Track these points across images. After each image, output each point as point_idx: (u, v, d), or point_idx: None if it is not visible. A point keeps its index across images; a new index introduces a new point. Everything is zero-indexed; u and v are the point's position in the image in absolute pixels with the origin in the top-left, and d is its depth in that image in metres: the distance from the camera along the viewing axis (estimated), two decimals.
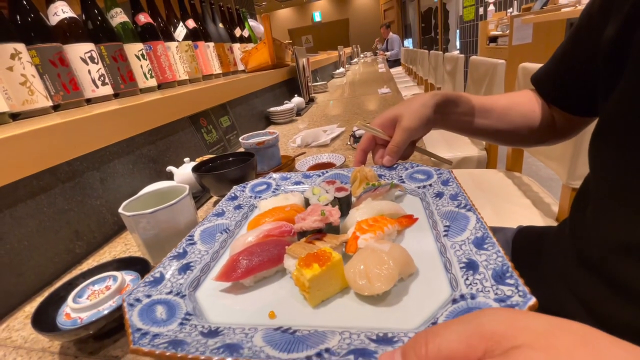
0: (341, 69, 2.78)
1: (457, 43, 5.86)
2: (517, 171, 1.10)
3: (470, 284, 0.24)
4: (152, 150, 0.62)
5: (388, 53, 6.28)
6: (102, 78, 0.89)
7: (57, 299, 0.32)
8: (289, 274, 0.30)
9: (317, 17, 10.57)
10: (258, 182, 0.50)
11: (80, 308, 0.30)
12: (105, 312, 0.29)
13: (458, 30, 5.66)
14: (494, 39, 4.17)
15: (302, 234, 0.34)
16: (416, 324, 0.23)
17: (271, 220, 0.37)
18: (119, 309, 0.28)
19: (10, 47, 0.66)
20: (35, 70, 0.71)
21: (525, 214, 0.87)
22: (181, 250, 0.34)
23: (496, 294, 0.22)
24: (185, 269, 0.32)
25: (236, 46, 1.69)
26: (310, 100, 1.52)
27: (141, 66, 1.02)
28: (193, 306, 0.28)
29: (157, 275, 0.30)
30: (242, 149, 0.65)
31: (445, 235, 0.31)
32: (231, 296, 0.29)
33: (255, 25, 1.68)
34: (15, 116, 0.67)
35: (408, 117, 0.46)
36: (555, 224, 0.81)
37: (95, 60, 0.87)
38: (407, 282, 0.28)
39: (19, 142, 0.37)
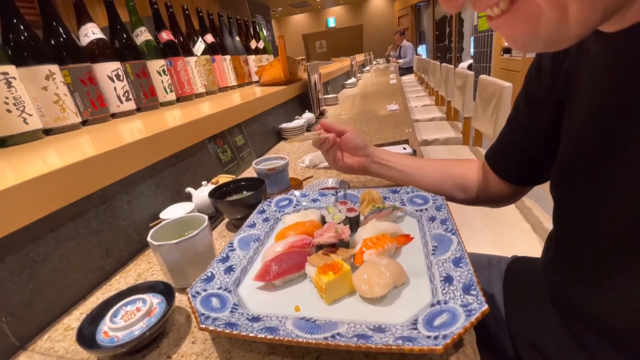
0: (352, 79, 2.86)
1: (471, 52, 5.88)
2: None
3: (446, 293, 0.33)
4: (173, 172, 0.67)
5: (401, 60, 6.34)
6: (126, 94, 0.96)
7: (96, 317, 0.37)
8: (309, 278, 0.39)
9: (332, 23, 10.69)
10: (281, 198, 0.59)
11: (117, 328, 0.35)
12: (137, 333, 0.34)
13: (472, 40, 5.69)
14: (508, 50, 4.20)
15: (319, 246, 0.43)
16: (402, 321, 0.31)
17: (294, 233, 0.46)
18: (149, 330, 0.34)
19: (46, 68, 0.74)
20: (67, 89, 0.79)
21: (524, 239, 0.91)
22: (225, 255, 0.43)
23: (462, 301, 0.31)
24: (229, 270, 0.41)
25: (251, 58, 1.78)
26: (321, 114, 1.59)
27: (162, 81, 1.11)
28: (238, 299, 0.37)
29: (209, 274, 0.39)
30: (252, 168, 0.69)
31: (432, 254, 0.40)
32: (265, 292, 0.38)
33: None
34: (47, 132, 0.75)
35: (355, 132, 0.60)
36: None
37: (121, 78, 0.94)
38: (400, 289, 0.36)
39: (61, 175, 0.43)
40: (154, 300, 0.38)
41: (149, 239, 0.42)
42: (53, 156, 0.52)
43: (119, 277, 0.50)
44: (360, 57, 5.16)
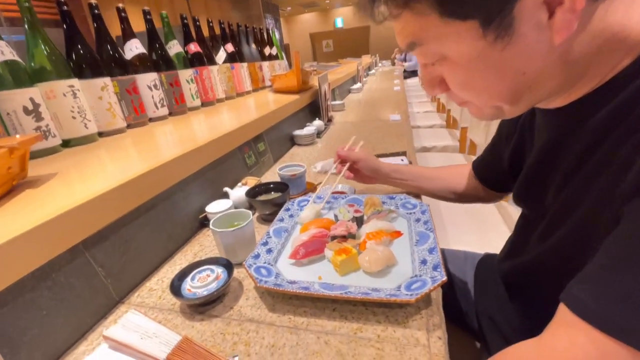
0: (358, 84, 3.01)
1: None
2: (506, 201, 1.31)
3: (421, 270, 0.49)
4: (213, 175, 0.83)
5: (406, 64, 6.46)
6: (161, 101, 1.14)
7: (179, 278, 0.52)
8: (327, 259, 0.55)
9: (339, 23, 10.80)
10: (302, 199, 0.75)
11: (196, 287, 0.49)
12: (205, 292, 0.48)
13: None
14: None
15: (334, 237, 0.59)
16: (392, 287, 0.47)
17: (315, 227, 0.62)
18: (217, 290, 0.48)
19: (101, 81, 0.91)
20: (116, 98, 0.96)
21: (501, 239, 1.05)
22: (265, 241, 0.59)
23: (431, 275, 0.47)
24: (269, 251, 0.57)
25: (265, 64, 1.95)
26: (329, 121, 1.74)
27: (190, 89, 1.28)
28: (277, 271, 0.53)
29: (256, 253, 0.55)
30: (272, 166, 0.87)
31: (415, 245, 0.56)
32: (296, 268, 0.54)
33: None
34: (100, 134, 0.92)
35: (366, 156, 0.74)
36: None
37: (157, 87, 1.12)
38: (390, 268, 0.52)
39: (139, 181, 0.57)
40: (219, 270, 0.54)
41: (211, 226, 0.58)
42: (129, 161, 0.68)
43: (180, 255, 0.66)
44: (366, 59, 5.29)
